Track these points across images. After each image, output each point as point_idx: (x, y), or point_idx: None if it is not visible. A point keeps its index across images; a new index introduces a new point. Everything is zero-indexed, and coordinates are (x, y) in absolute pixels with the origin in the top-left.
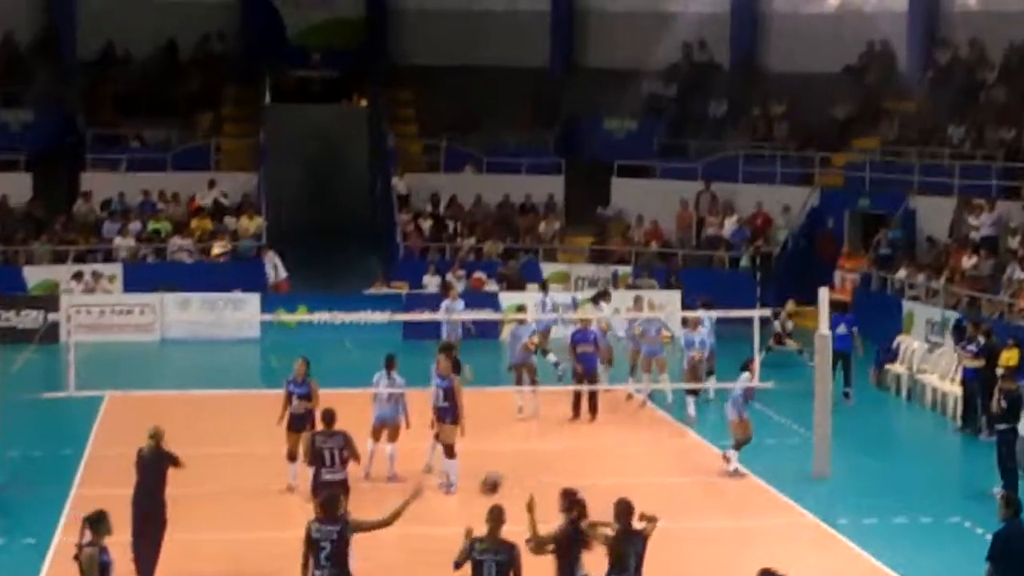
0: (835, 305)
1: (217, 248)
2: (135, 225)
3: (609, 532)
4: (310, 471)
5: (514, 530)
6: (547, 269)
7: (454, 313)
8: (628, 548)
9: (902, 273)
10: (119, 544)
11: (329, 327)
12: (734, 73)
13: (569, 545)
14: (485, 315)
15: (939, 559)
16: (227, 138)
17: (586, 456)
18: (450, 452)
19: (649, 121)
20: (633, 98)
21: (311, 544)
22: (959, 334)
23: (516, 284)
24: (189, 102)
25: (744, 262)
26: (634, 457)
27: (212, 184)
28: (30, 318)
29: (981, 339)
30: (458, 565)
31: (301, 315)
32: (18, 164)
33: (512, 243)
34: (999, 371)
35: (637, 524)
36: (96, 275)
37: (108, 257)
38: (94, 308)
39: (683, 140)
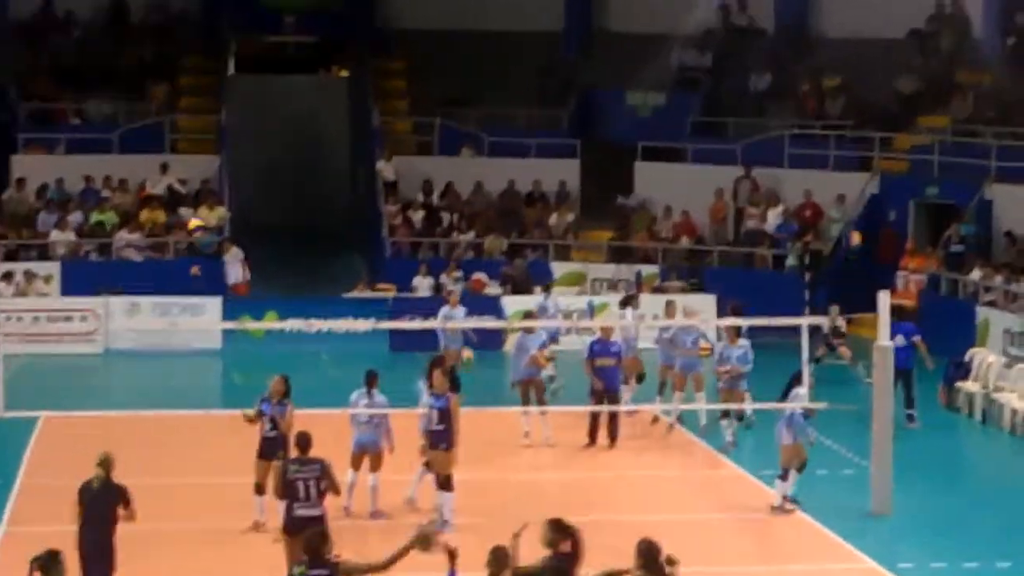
0: (897, 311)
1: (194, 221)
2: (75, 216)
3: None
4: (281, 505)
5: None
6: (559, 269)
7: (450, 322)
8: None
9: (976, 274)
10: None
11: (303, 337)
12: (779, 39)
13: None
14: (486, 323)
15: None
16: (184, 115)
17: (602, 488)
18: (446, 484)
19: (679, 96)
20: (661, 69)
21: None
22: None
23: (522, 287)
24: (140, 72)
25: (790, 261)
26: (661, 489)
27: (165, 168)
28: None
29: None
30: None
31: (270, 323)
32: None
33: (518, 238)
34: None
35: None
36: (29, 275)
37: (44, 254)
38: (26, 314)
39: (719, 118)
